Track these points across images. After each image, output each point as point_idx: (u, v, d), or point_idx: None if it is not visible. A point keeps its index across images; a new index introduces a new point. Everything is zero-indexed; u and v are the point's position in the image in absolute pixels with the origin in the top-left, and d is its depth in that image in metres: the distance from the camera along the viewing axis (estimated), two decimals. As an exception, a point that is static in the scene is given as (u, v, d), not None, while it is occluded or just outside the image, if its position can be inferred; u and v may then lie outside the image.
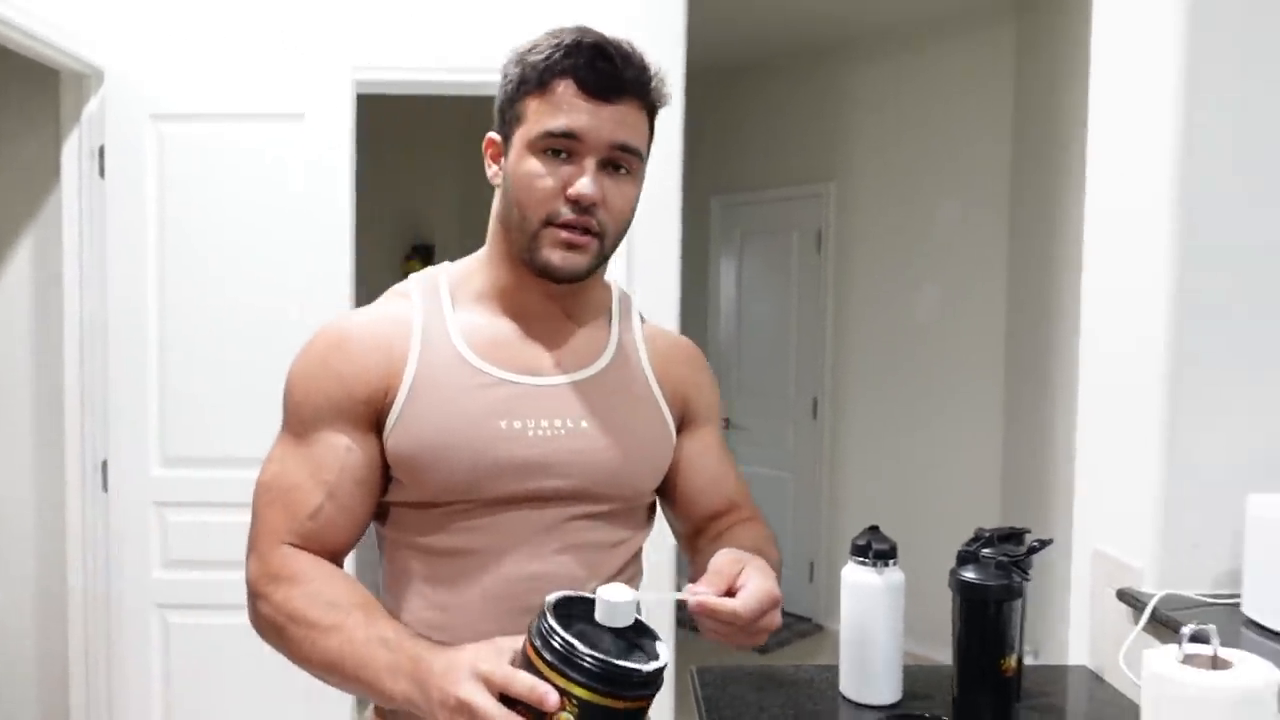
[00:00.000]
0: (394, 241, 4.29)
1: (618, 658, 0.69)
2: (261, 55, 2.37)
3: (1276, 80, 1.27)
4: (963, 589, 1.13)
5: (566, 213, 0.90)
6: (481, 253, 1.02)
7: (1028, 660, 1.42)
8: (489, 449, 0.91)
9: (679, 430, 1.07)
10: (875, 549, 1.20)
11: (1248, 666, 0.71)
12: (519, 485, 0.93)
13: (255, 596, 0.91)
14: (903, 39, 3.94)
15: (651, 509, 1.08)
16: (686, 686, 1.38)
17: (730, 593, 0.82)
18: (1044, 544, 1.20)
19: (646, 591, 0.76)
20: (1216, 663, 0.71)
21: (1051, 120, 3.16)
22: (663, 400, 1.04)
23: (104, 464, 2.38)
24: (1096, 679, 1.37)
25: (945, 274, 3.88)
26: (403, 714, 0.94)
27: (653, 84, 0.93)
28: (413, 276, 1.02)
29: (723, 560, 0.85)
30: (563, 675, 0.68)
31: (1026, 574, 1.18)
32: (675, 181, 2.47)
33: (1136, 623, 1.23)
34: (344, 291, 2.34)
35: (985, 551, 1.17)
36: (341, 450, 0.92)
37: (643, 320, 1.10)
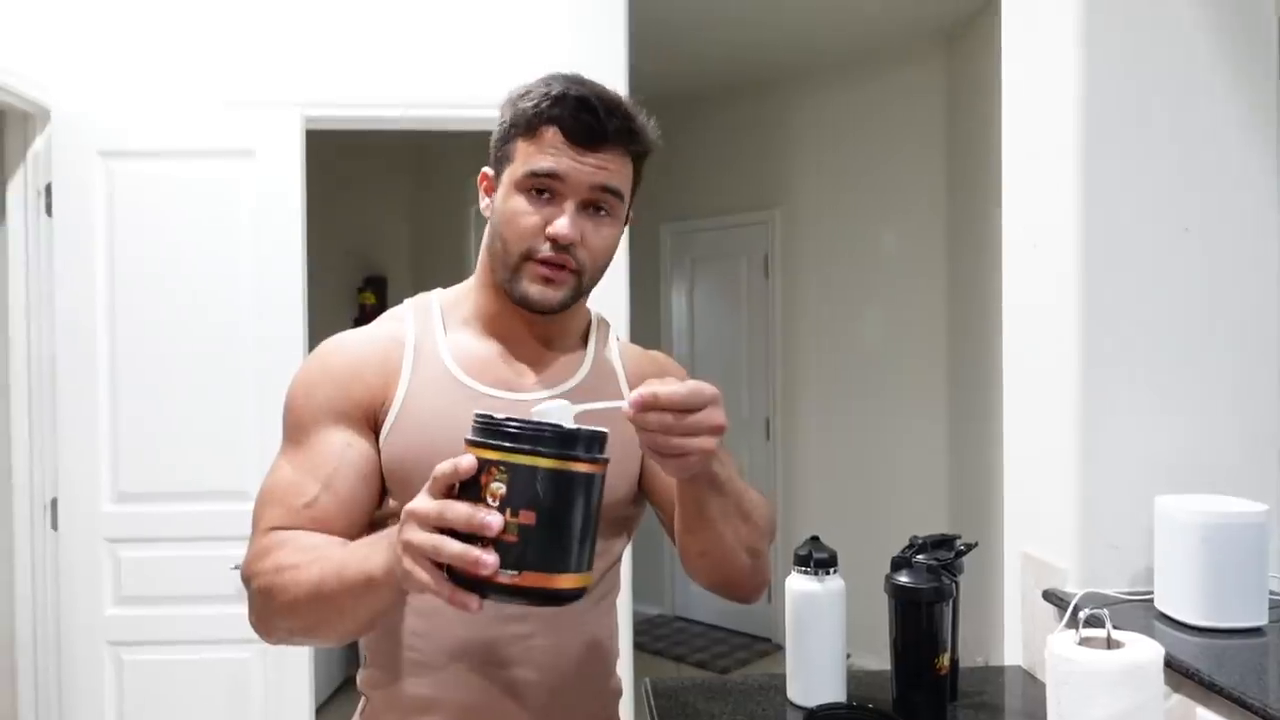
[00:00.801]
0: (348, 274, 4.30)
1: None
2: (211, 92, 2.40)
3: (1165, 113, 1.38)
4: (897, 592, 1.19)
5: (545, 250, 0.96)
6: (470, 281, 1.08)
7: (978, 664, 1.49)
8: None
9: None
10: (816, 558, 1.26)
11: (1137, 646, 0.78)
12: None
13: (248, 579, 0.92)
14: (840, 70, 4.09)
15: (631, 520, 1.11)
16: (641, 700, 1.42)
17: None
18: (970, 547, 1.27)
19: (587, 405, 0.76)
20: (1111, 643, 0.78)
21: (981, 146, 3.31)
22: None
23: (53, 502, 2.36)
24: (1029, 677, 1.44)
25: (888, 296, 4.01)
26: (392, 711, 0.98)
27: (636, 132, 0.98)
28: (407, 301, 1.08)
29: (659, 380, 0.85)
30: (485, 446, 0.69)
31: (956, 577, 1.26)
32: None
33: (1061, 620, 1.31)
34: (297, 325, 2.36)
35: (918, 557, 1.24)
36: (339, 445, 0.95)
37: (619, 342, 1.16)
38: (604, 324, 1.16)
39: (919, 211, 3.89)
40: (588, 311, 1.14)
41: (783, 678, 1.35)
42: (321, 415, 0.97)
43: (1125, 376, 1.38)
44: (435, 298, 1.08)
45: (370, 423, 0.98)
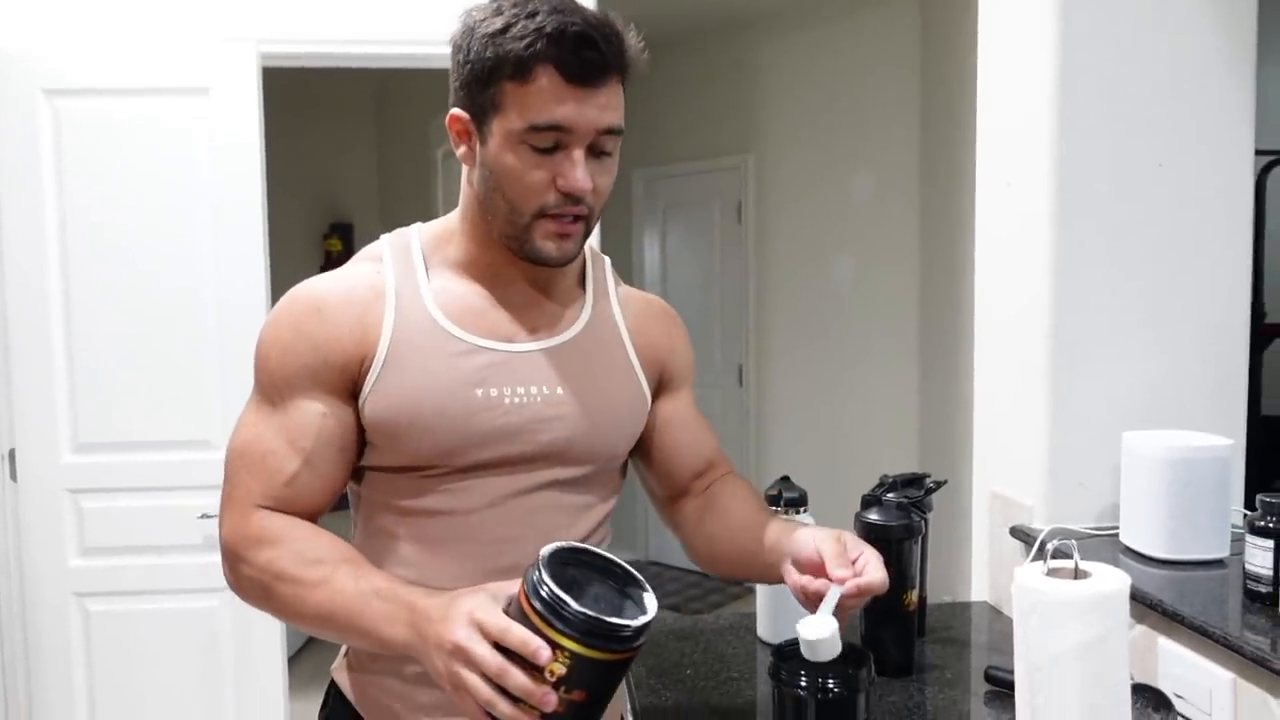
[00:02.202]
0: (312, 219, 4.21)
1: (608, 611, 0.72)
2: (162, 27, 2.29)
3: (1142, 46, 1.36)
4: (866, 530, 1.20)
5: (557, 204, 0.89)
6: (453, 220, 1.00)
7: (944, 601, 1.51)
8: (466, 418, 0.92)
9: (656, 393, 1.07)
10: (786, 497, 1.26)
11: (1103, 576, 0.78)
12: (495, 452, 0.93)
13: (236, 560, 0.90)
14: (814, 12, 4.01)
15: (622, 471, 1.09)
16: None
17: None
18: (939, 485, 1.27)
19: (826, 609, 0.83)
20: (1078, 574, 0.79)
21: (956, 92, 3.28)
22: (638, 364, 1.04)
23: (11, 453, 2.30)
24: (995, 612, 1.46)
25: (861, 242, 3.99)
26: (379, 661, 0.98)
27: (631, 56, 0.92)
28: (384, 239, 1.01)
29: (826, 543, 0.90)
30: (553, 628, 0.70)
31: (925, 515, 1.26)
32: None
33: (1027, 556, 1.32)
34: (258, 270, 2.30)
35: (888, 495, 1.24)
36: (317, 416, 0.91)
37: (618, 283, 1.10)
38: (600, 261, 1.09)
39: (893, 154, 3.86)
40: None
41: (753, 617, 1.36)
42: (299, 382, 0.92)
43: (1096, 314, 1.38)
44: (414, 236, 1.00)
45: (349, 384, 0.93)
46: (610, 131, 0.90)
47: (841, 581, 0.85)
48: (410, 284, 0.96)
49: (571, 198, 0.89)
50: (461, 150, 0.94)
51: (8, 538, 2.31)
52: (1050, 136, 1.37)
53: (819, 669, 0.84)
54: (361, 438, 0.95)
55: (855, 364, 4.04)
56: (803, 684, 0.84)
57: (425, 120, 3.47)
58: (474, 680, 0.72)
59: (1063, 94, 1.36)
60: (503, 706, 0.71)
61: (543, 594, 0.71)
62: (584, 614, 0.70)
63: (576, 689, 0.71)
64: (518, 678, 0.70)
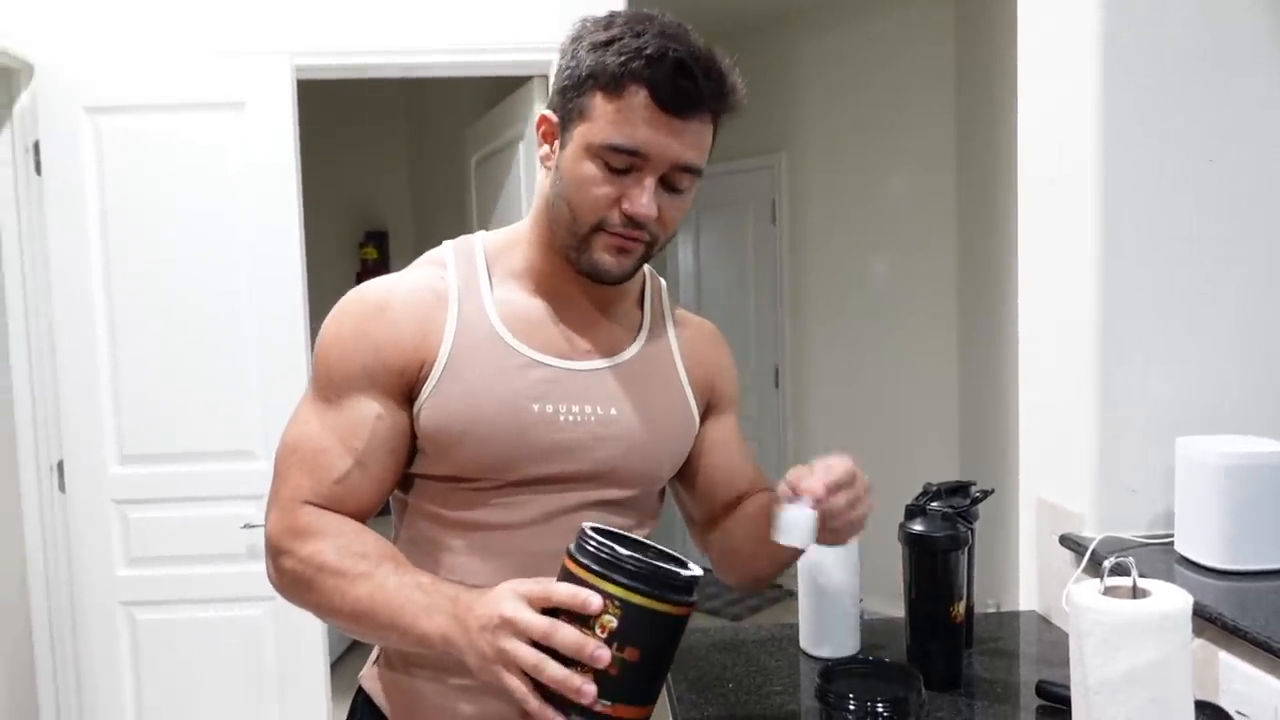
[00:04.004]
0: (347, 229, 4.24)
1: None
2: (198, 44, 2.33)
3: (1190, 40, 1.32)
4: (911, 541, 1.17)
5: (619, 223, 0.89)
6: (522, 228, 1.01)
7: (989, 610, 1.47)
8: (521, 433, 0.91)
9: (703, 416, 1.07)
10: (827, 507, 1.24)
11: (1164, 594, 0.75)
12: (546, 469, 0.93)
13: (279, 553, 0.90)
14: (847, 9, 3.96)
15: (661, 495, 1.09)
16: (652, 651, 1.41)
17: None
18: (986, 494, 1.24)
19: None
20: (1136, 592, 0.76)
21: (992, 87, 3.22)
22: (688, 387, 1.04)
23: (59, 464, 2.35)
24: (1044, 622, 1.43)
25: (897, 239, 3.94)
26: (419, 668, 0.97)
27: (729, 95, 0.90)
28: (447, 244, 1.01)
29: (799, 470, 0.90)
30: (604, 579, 0.69)
31: (971, 524, 1.23)
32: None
33: (1079, 566, 1.29)
34: (295, 280, 2.33)
35: (932, 505, 1.21)
36: (372, 418, 0.91)
37: (673, 306, 1.10)
38: (657, 281, 1.09)
39: (929, 151, 3.80)
40: (642, 269, 1.06)
41: (795, 628, 1.33)
42: (357, 382, 0.92)
43: (1145, 316, 1.33)
44: (479, 243, 1.00)
45: (406, 388, 0.92)
46: (688, 169, 0.89)
47: (811, 495, 0.85)
48: (473, 291, 0.95)
49: (632, 221, 0.88)
50: (544, 151, 0.94)
51: (58, 548, 2.36)
52: (1095, 133, 1.33)
53: (869, 691, 0.82)
54: (413, 444, 0.94)
55: (893, 365, 3.99)
56: (851, 707, 0.82)
57: (460, 128, 3.48)
58: (521, 648, 0.70)
59: (1107, 89, 1.32)
60: (552, 670, 0.69)
61: (589, 546, 0.70)
62: (635, 557, 0.69)
63: (630, 645, 0.69)
64: (567, 632, 0.69)
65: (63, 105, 2.25)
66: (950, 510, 1.20)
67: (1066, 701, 0.92)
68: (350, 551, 0.86)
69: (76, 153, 2.24)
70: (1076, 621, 0.77)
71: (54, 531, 2.35)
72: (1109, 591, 0.77)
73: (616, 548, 0.70)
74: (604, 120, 0.86)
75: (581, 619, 0.69)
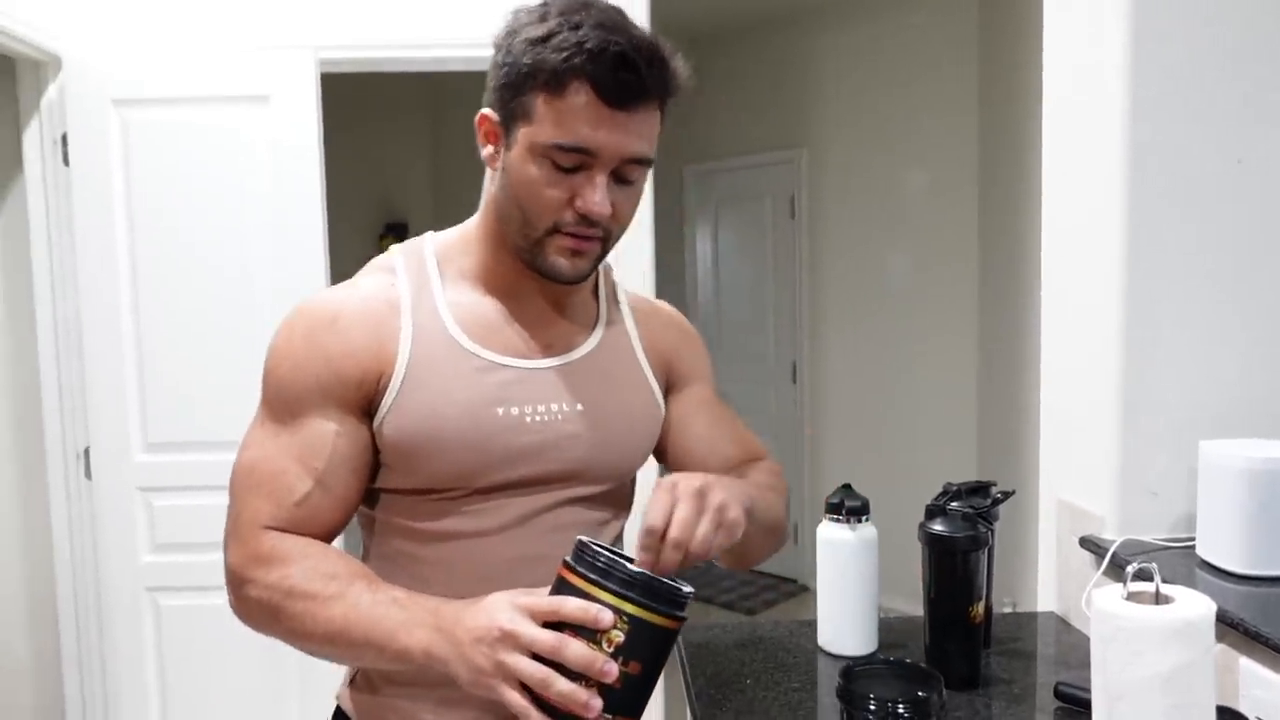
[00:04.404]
0: (368, 220, 4.27)
1: None
2: (223, 37, 2.35)
3: (1221, 33, 1.30)
4: (931, 541, 1.17)
5: (574, 223, 0.87)
6: (470, 227, 0.98)
7: (1005, 610, 1.47)
8: (488, 439, 0.89)
9: (666, 395, 1.06)
10: (848, 506, 1.24)
11: (1187, 601, 0.75)
12: (516, 472, 0.91)
13: (242, 583, 0.86)
14: (872, 4, 3.94)
15: (633, 485, 1.07)
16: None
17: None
18: (1006, 495, 1.24)
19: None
20: (1159, 598, 0.76)
21: (1017, 84, 3.19)
22: (650, 373, 1.03)
23: (85, 452, 2.39)
24: (1063, 624, 1.42)
25: (918, 236, 3.92)
26: (397, 685, 0.93)
27: (673, 81, 0.88)
28: (395, 249, 0.98)
29: (651, 499, 0.82)
30: (613, 593, 0.69)
31: (991, 525, 1.23)
32: (646, 152, 2.48)
33: (1098, 568, 1.28)
34: (318, 271, 2.35)
35: (953, 505, 1.21)
36: (330, 435, 0.87)
37: (625, 292, 1.09)
38: (608, 270, 1.08)
39: (951, 147, 3.78)
40: None
41: (813, 624, 1.34)
42: (311, 397, 0.88)
43: (1170, 317, 1.33)
44: (429, 246, 0.98)
45: (364, 401, 0.89)
46: (637, 161, 0.87)
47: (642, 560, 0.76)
48: (426, 297, 0.93)
49: (587, 220, 0.86)
50: (487, 152, 0.92)
51: (84, 534, 2.40)
52: (1122, 132, 1.32)
53: (889, 691, 0.82)
54: (375, 458, 0.91)
55: (912, 362, 3.97)
56: (872, 707, 0.83)
57: (478, 120, 3.50)
58: (526, 662, 0.69)
59: (1135, 86, 1.31)
60: (560, 685, 0.68)
61: (599, 562, 0.70)
62: (644, 573, 0.69)
63: (634, 659, 0.69)
64: (577, 649, 0.68)
65: (90, 98, 2.27)
66: (971, 510, 1.20)
67: (1085, 704, 0.93)
68: (319, 573, 0.83)
69: (103, 145, 2.27)
70: (1099, 626, 0.78)
71: (80, 518, 2.39)
72: (1132, 597, 0.77)
73: (628, 564, 0.70)
74: (548, 120, 0.84)
75: (587, 633, 0.69)
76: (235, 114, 2.29)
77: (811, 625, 1.35)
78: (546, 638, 0.69)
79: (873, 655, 1.26)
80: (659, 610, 0.69)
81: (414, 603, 0.79)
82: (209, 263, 2.32)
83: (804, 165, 4.30)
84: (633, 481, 1.07)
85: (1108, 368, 1.35)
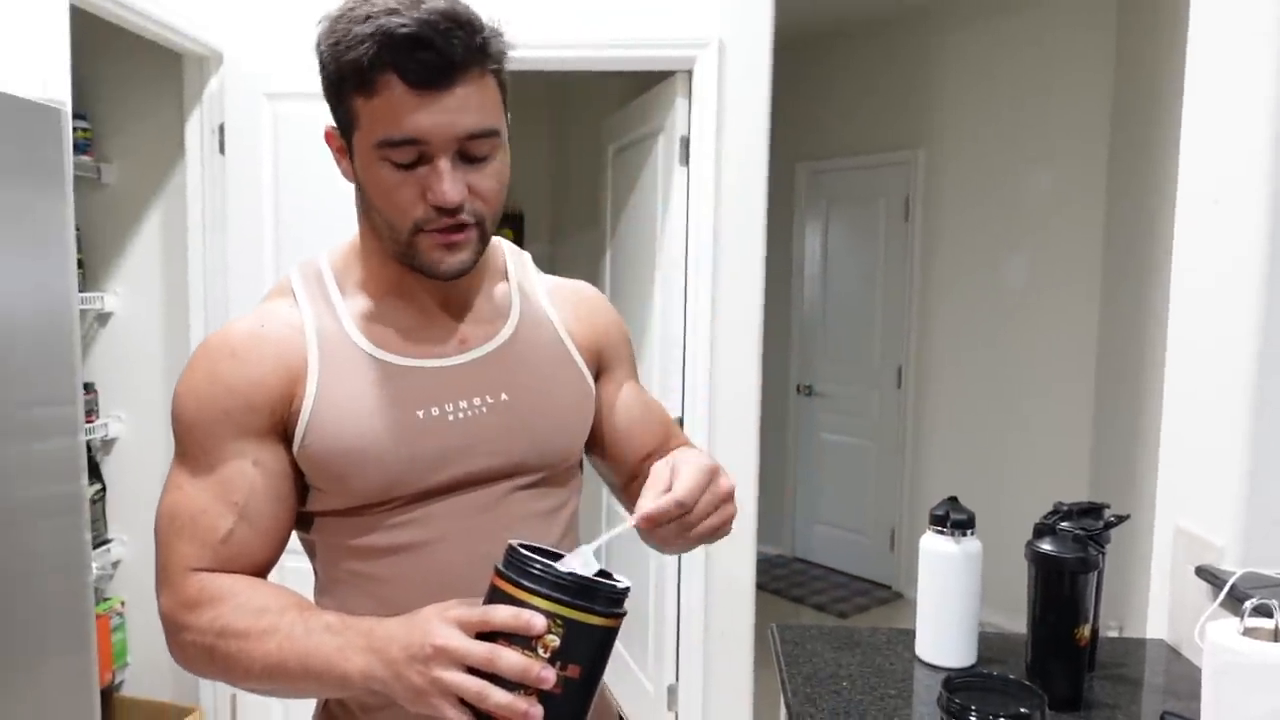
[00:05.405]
0: (485, 209, 4.40)
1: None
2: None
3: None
4: (1039, 560, 1.17)
5: (434, 217, 0.83)
6: (354, 242, 0.96)
7: (1111, 634, 1.44)
8: (410, 443, 0.87)
9: (595, 379, 1.03)
10: (954, 519, 1.25)
11: (1308, 640, 0.74)
12: (448, 473, 0.88)
13: (177, 629, 0.84)
14: (998, 1, 3.83)
15: (580, 466, 1.04)
16: (766, 643, 1.46)
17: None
18: (1121, 519, 1.22)
19: (594, 541, 0.74)
20: (1278, 635, 0.75)
21: (1154, 88, 3.05)
22: (576, 354, 1.00)
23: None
24: (1173, 653, 1.39)
25: (1037, 243, 3.80)
26: (351, 708, 0.91)
27: (486, 46, 0.82)
28: (292, 271, 0.96)
29: (653, 470, 0.82)
30: (544, 597, 0.67)
31: (1103, 548, 1.22)
32: (762, 151, 2.50)
33: (1214, 599, 1.25)
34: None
35: (1063, 525, 1.21)
36: (247, 466, 0.85)
37: (542, 277, 1.05)
38: (519, 255, 1.05)
39: (1078, 153, 3.64)
40: (496, 246, 1.01)
41: (911, 633, 1.35)
42: (221, 431, 0.85)
43: (1309, 346, 1.27)
44: (325, 264, 0.95)
45: (278, 428, 0.87)
46: (477, 135, 0.82)
47: (639, 516, 0.77)
48: (328, 314, 0.91)
49: (445, 211, 0.82)
50: (343, 167, 0.89)
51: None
52: (1269, 152, 1.27)
53: (991, 705, 0.84)
54: (300, 483, 0.89)
55: (1024, 374, 3.86)
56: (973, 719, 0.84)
57: (598, 118, 3.57)
58: (460, 677, 0.67)
59: (1284, 105, 1.26)
60: (497, 696, 0.66)
61: (530, 568, 0.68)
62: (575, 574, 0.68)
63: (572, 662, 0.67)
64: (511, 658, 0.66)
65: (245, 92, 2.44)
66: (1081, 532, 1.19)
67: (1194, 736, 0.92)
68: (249, 609, 0.80)
69: (255, 135, 2.44)
70: (1212, 659, 0.77)
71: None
72: (1249, 631, 0.76)
73: (555, 565, 0.68)
74: (369, 121, 0.81)
75: (521, 640, 0.67)
76: (373, 108, 2.42)
77: (909, 634, 1.36)
78: (479, 650, 0.67)
79: (972, 668, 1.27)
80: (594, 610, 0.68)
81: (347, 627, 0.76)
82: (343, 248, 2.45)
83: (921, 166, 4.21)
84: (580, 466, 1.04)
85: (1240, 393, 1.31)
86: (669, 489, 0.79)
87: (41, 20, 1.88)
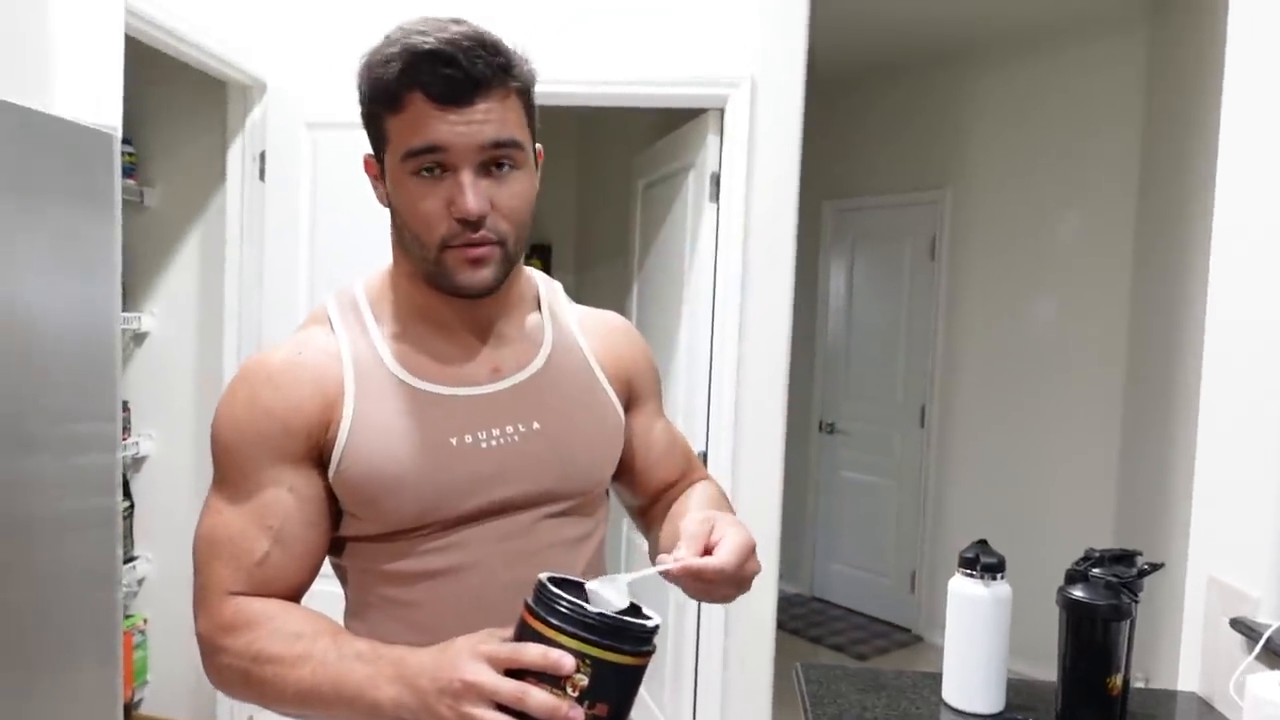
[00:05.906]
0: (512, 239, 4.44)
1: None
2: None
3: None
4: (1071, 607, 1.16)
5: (459, 232, 0.86)
6: (389, 271, 0.98)
7: (1139, 684, 1.42)
8: (444, 470, 0.88)
9: (625, 409, 1.05)
10: (984, 562, 1.24)
11: (1352, 697, 0.73)
12: (480, 500, 0.90)
13: (214, 651, 0.86)
14: (1028, 44, 3.85)
15: (606, 494, 1.06)
16: (788, 683, 1.45)
17: (708, 550, 0.82)
18: (1155, 567, 1.21)
19: (631, 573, 0.75)
20: (1320, 691, 0.74)
21: (1185, 129, 3.06)
22: (607, 384, 1.02)
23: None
24: (1206, 706, 1.37)
25: (1064, 285, 3.79)
26: None
27: (509, 66, 0.86)
28: (328, 298, 0.98)
29: (692, 523, 0.85)
30: (573, 637, 0.68)
31: (1136, 596, 1.20)
32: (792, 189, 2.52)
33: (1250, 652, 1.23)
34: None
35: (1095, 571, 1.20)
36: (284, 492, 0.87)
37: (573, 305, 1.08)
38: (551, 285, 1.07)
39: (1107, 196, 3.64)
40: (528, 276, 1.04)
41: (937, 677, 1.34)
42: (259, 456, 0.88)
43: (1347, 398, 1.26)
44: (360, 292, 0.97)
45: (314, 453, 0.89)
46: (501, 145, 0.85)
47: (680, 566, 0.80)
48: (363, 341, 0.93)
49: (470, 224, 0.85)
50: (379, 192, 0.93)
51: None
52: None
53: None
54: (334, 508, 0.91)
55: (1048, 418, 3.82)
56: (1005, 764, 0.83)
57: (628, 153, 3.62)
58: (489, 714, 0.68)
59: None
60: None
61: (558, 606, 0.68)
62: (604, 615, 0.68)
63: (600, 701, 0.68)
64: (539, 697, 0.67)
65: (286, 120, 2.50)
66: (1114, 579, 1.18)
67: (1230, 792, 0.90)
68: (284, 634, 0.82)
69: (295, 163, 2.49)
70: (1252, 713, 0.76)
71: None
72: (1289, 686, 0.75)
73: (587, 607, 0.69)
74: (397, 135, 0.85)
75: (550, 678, 0.68)
76: (410, 139, 2.47)
77: (934, 678, 1.35)
78: (509, 688, 0.68)
79: (1000, 714, 1.25)
80: (622, 650, 0.68)
81: (379, 656, 0.78)
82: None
83: (948, 205, 4.22)
84: (606, 493, 1.06)
85: (1274, 446, 1.30)
86: (708, 548, 0.82)
87: (97, 47, 1.94)
